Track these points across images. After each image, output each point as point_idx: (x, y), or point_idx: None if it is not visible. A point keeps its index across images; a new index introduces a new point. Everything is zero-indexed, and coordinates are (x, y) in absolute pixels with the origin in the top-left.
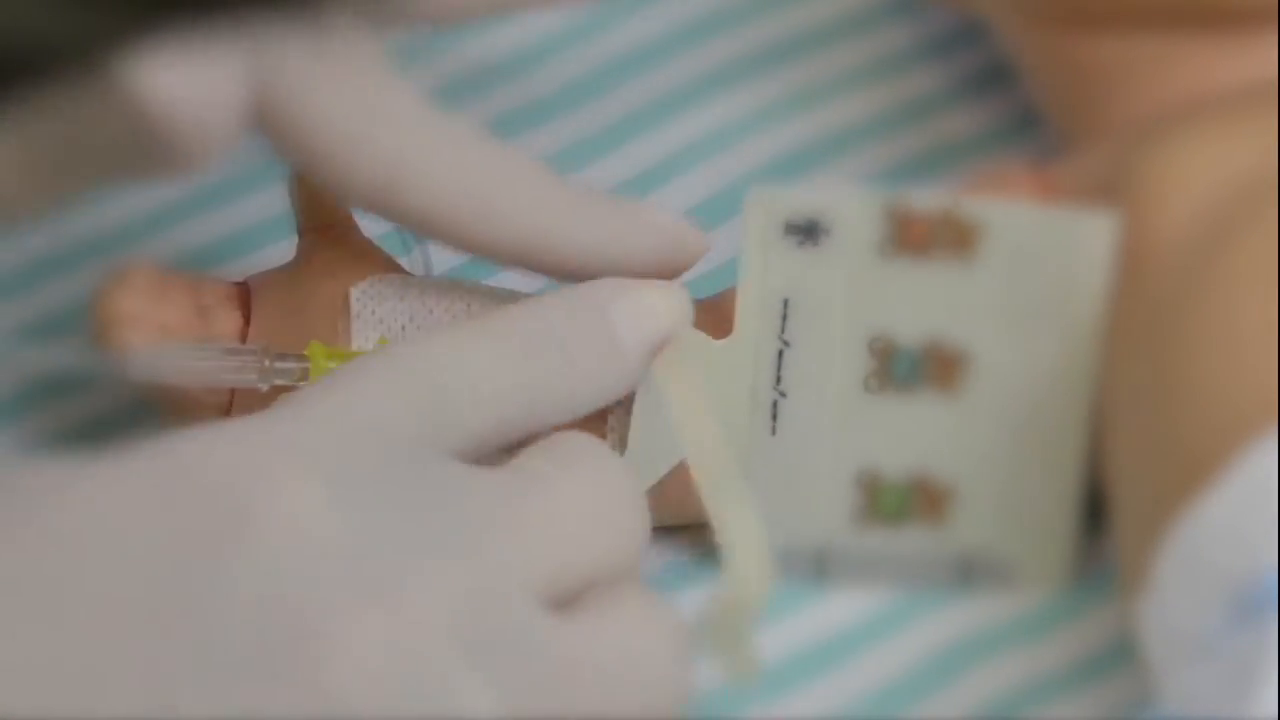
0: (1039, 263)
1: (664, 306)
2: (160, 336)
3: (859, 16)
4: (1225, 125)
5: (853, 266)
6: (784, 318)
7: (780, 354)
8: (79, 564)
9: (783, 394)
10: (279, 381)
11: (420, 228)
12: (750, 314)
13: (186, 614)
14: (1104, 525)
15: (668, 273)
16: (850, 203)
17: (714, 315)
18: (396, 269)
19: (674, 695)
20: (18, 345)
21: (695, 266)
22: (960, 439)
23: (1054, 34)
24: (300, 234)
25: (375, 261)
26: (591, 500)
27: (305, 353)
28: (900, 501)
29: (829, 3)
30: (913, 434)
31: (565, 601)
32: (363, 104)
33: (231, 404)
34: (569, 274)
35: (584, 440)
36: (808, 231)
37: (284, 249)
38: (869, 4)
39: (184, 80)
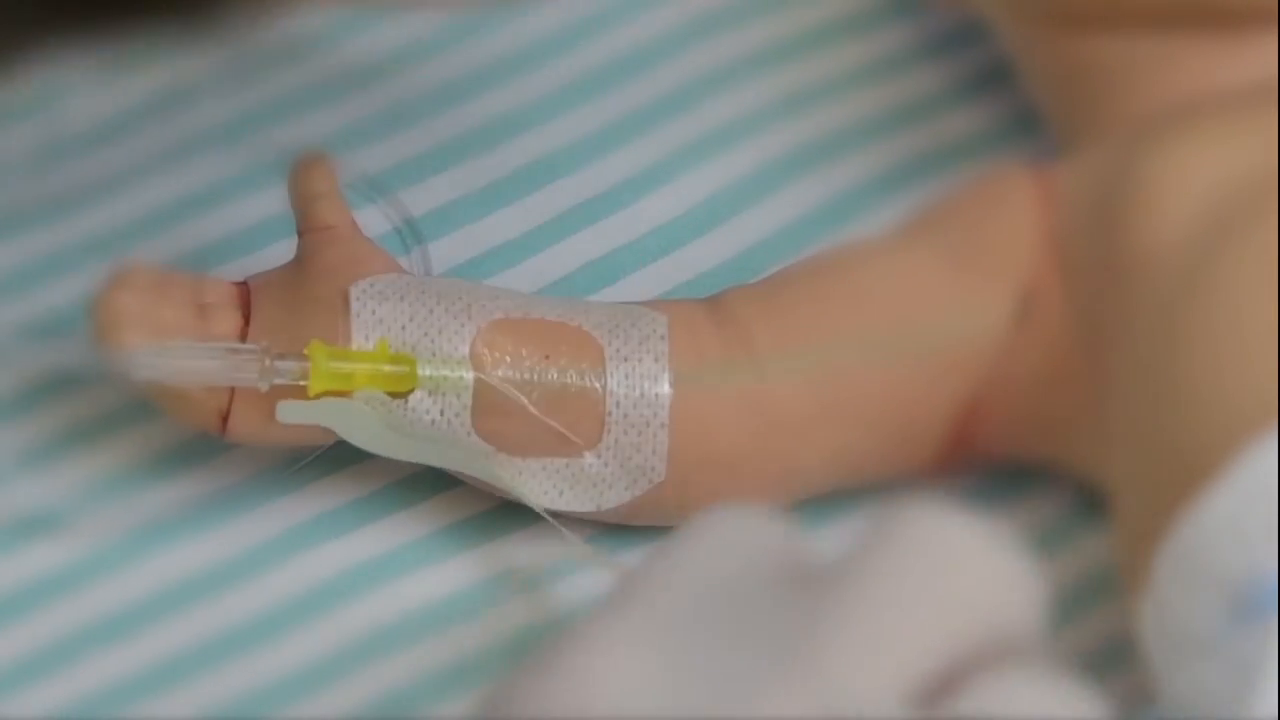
0: None
1: None
2: (160, 336)
3: (859, 17)
4: (1225, 126)
5: None
6: None
7: None
8: None
9: None
10: (279, 381)
11: None
12: None
13: None
14: (1104, 525)
15: None
16: None
17: (714, 315)
18: (396, 269)
19: None
20: (18, 345)
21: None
22: None
23: (1053, 34)
24: (300, 234)
25: (375, 261)
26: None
27: (305, 352)
28: None
29: (829, 3)
30: None
31: None
32: None
33: (231, 403)
34: None
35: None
36: None
37: (284, 249)
38: (869, 4)
39: None
